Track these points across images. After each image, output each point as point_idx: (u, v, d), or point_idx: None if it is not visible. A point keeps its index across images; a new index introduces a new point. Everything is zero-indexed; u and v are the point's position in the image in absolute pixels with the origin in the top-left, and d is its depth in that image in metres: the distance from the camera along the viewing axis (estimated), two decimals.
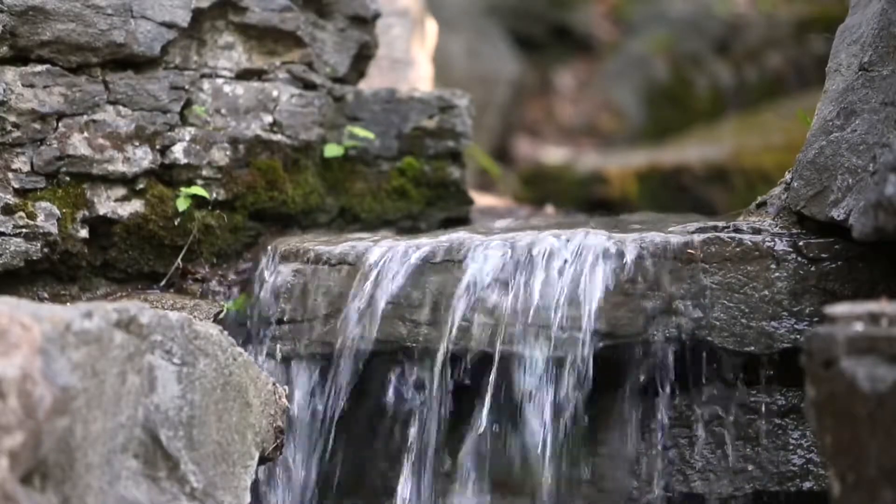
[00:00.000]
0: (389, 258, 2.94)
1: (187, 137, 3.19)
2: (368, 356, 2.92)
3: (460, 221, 3.44)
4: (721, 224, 2.96)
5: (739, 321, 2.83)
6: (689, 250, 2.85)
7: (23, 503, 2.06)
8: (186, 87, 3.20)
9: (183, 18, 3.18)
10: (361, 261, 2.96)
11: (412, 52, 4.46)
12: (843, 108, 2.89)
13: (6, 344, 2.07)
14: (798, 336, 2.80)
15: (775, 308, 2.83)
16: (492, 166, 5.38)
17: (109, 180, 3.13)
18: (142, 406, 2.36)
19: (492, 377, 2.84)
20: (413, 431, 2.93)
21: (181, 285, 3.20)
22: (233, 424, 2.49)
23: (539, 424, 2.83)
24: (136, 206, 3.15)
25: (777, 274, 2.85)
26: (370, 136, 3.39)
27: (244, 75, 3.30)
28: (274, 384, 2.60)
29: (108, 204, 3.13)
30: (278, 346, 3.01)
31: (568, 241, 2.88)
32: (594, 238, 2.88)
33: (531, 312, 2.83)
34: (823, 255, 2.85)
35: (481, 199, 3.94)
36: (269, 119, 3.30)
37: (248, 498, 2.51)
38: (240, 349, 2.53)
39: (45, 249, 3.04)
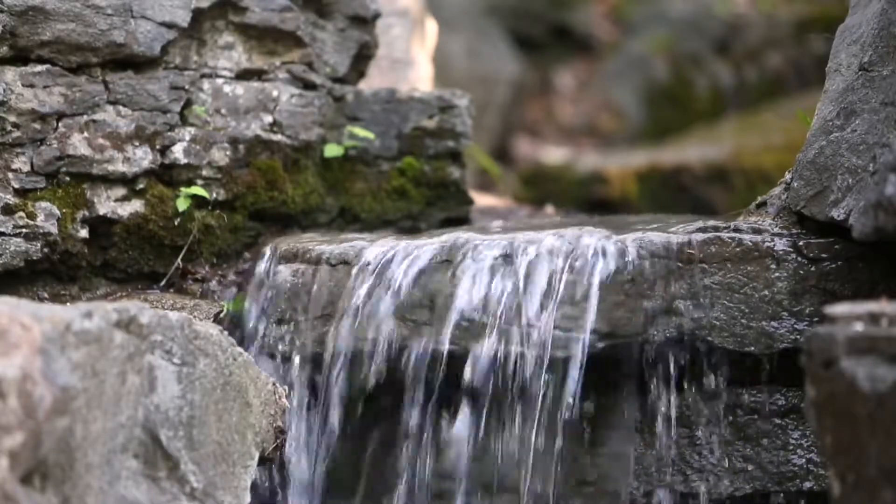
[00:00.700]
0: (389, 258, 2.94)
1: (187, 137, 3.19)
2: (368, 356, 2.92)
3: (460, 221, 3.44)
4: (721, 224, 2.96)
5: (739, 321, 2.83)
6: (689, 250, 2.85)
7: (23, 503, 2.06)
8: (186, 87, 3.20)
9: (183, 18, 3.18)
10: (361, 261, 2.96)
11: (412, 52, 4.46)
12: (843, 108, 2.89)
13: (6, 344, 2.07)
14: (798, 336, 2.80)
15: (775, 308, 2.83)
16: (492, 166, 5.38)
17: (109, 180, 3.13)
18: (142, 406, 2.36)
19: (491, 377, 2.84)
20: (413, 431, 2.93)
21: (181, 285, 3.20)
22: (233, 424, 2.49)
23: (539, 424, 2.83)
24: (136, 206, 3.15)
25: (777, 274, 2.85)
26: (370, 136, 3.39)
27: (244, 75, 3.30)
28: (274, 384, 2.60)
29: (108, 204, 3.13)
30: (278, 346, 3.01)
31: (568, 240, 2.88)
32: (594, 238, 2.88)
33: (531, 312, 2.83)
34: (823, 255, 2.85)
35: (481, 199, 3.94)
36: (269, 119, 3.30)
37: (248, 498, 2.51)
38: (240, 349, 2.53)
39: (45, 249, 3.04)
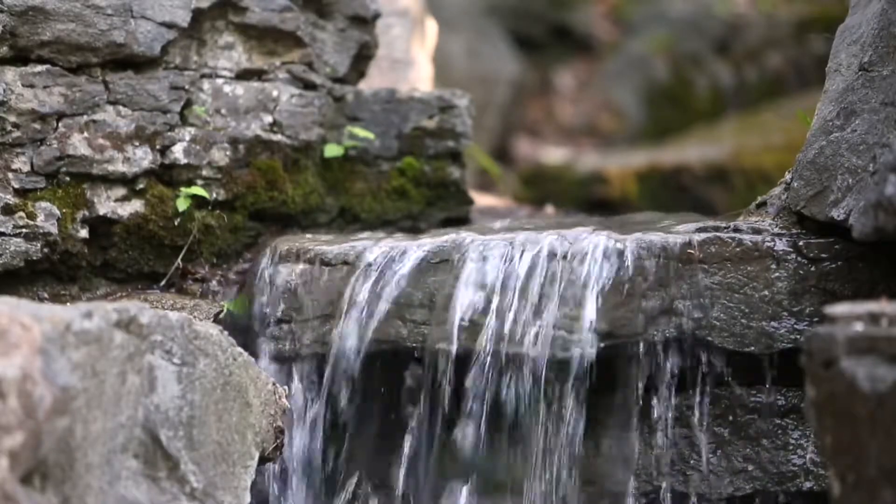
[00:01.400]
0: (389, 258, 2.94)
1: (187, 137, 3.19)
2: (369, 356, 2.92)
3: (460, 221, 3.44)
4: (721, 224, 2.96)
5: (739, 321, 2.83)
6: (689, 250, 2.85)
7: (23, 503, 2.06)
8: (186, 87, 3.20)
9: (183, 18, 3.18)
10: (361, 261, 2.96)
11: (412, 52, 4.46)
12: (843, 108, 2.89)
13: (6, 344, 2.07)
14: (798, 336, 2.80)
15: (775, 308, 2.83)
16: (492, 166, 5.38)
17: (109, 180, 3.13)
18: (142, 406, 2.36)
19: (492, 377, 2.84)
20: (413, 431, 2.93)
21: (181, 285, 3.20)
22: (233, 424, 2.49)
23: (539, 424, 2.83)
24: (136, 206, 3.16)
25: (777, 274, 2.85)
26: (370, 136, 3.39)
27: (244, 75, 3.30)
28: (274, 384, 2.60)
29: (108, 204, 3.13)
30: (278, 345, 3.01)
31: (568, 240, 2.88)
32: (594, 238, 2.88)
33: (531, 312, 2.83)
34: (823, 255, 2.85)
35: (481, 199, 3.94)
36: (269, 119, 3.30)
37: (248, 498, 2.51)
38: (240, 349, 2.53)
39: (45, 249, 3.04)
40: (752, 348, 2.83)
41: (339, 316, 2.94)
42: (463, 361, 2.86)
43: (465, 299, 2.87)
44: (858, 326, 2.11)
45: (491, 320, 2.85)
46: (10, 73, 3.03)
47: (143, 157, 3.14)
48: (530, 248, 2.88)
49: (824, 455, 2.14)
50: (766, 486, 2.85)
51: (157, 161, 3.16)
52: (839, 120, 2.89)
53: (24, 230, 3.01)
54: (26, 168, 3.05)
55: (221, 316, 3.06)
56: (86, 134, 3.09)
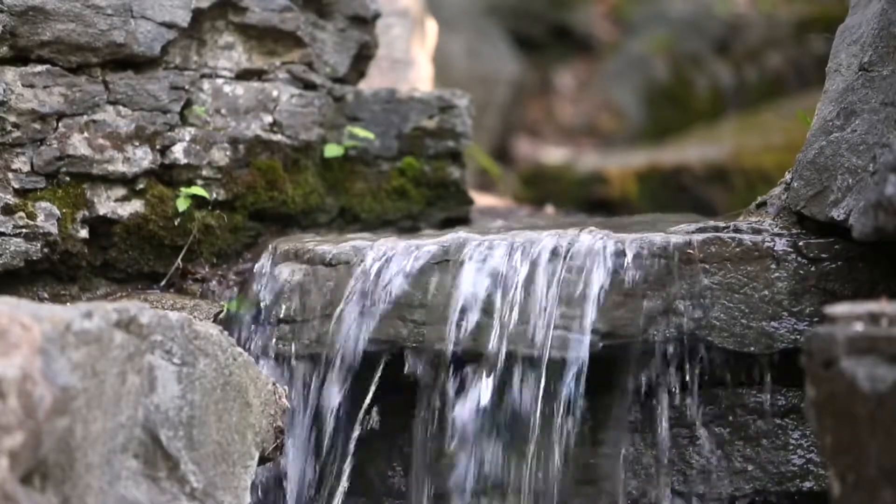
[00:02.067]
0: (389, 258, 2.94)
1: (187, 137, 3.19)
2: (368, 356, 2.92)
3: (460, 221, 3.44)
4: (721, 224, 2.96)
5: (739, 321, 2.83)
6: (689, 250, 2.85)
7: (23, 503, 2.06)
8: (186, 87, 3.20)
9: (183, 18, 3.18)
10: (361, 261, 2.96)
11: (412, 52, 4.46)
12: (843, 108, 2.89)
13: (6, 344, 2.07)
14: (798, 336, 2.80)
15: (775, 308, 2.83)
16: (492, 166, 5.38)
17: (109, 180, 3.13)
18: (142, 406, 2.36)
19: (492, 376, 2.84)
20: (412, 430, 2.93)
21: (181, 285, 3.20)
22: (233, 424, 2.49)
23: (539, 424, 2.83)
24: (136, 206, 3.16)
25: (777, 274, 2.85)
26: (370, 136, 3.39)
27: (244, 75, 3.30)
28: (274, 384, 2.60)
29: (108, 204, 3.13)
30: (278, 345, 3.01)
31: (568, 240, 2.88)
32: (594, 238, 2.88)
33: (531, 312, 2.83)
34: (823, 255, 2.85)
35: (481, 199, 3.94)
36: (269, 119, 3.30)
37: (248, 498, 2.51)
38: (240, 349, 2.53)
39: (45, 249, 3.04)
40: (753, 348, 2.83)
41: (338, 316, 2.94)
42: (462, 361, 2.86)
43: (465, 299, 2.87)
44: (858, 326, 2.11)
45: (491, 320, 2.85)
46: (10, 73, 3.03)
47: (143, 157, 3.14)
48: (530, 248, 2.88)
49: (824, 455, 2.14)
50: (766, 486, 2.85)
51: (157, 161, 3.16)
52: (839, 120, 2.89)
53: (24, 230, 3.01)
54: (26, 168, 3.05)
55: (221, 316, 3.06)
56: (86, 134, 3.09)
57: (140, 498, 2.34)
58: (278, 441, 2.59)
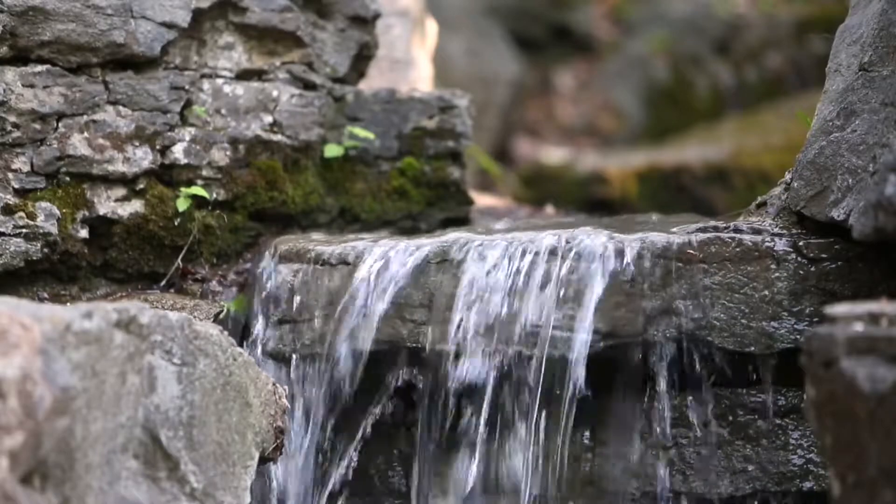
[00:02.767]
0: (389, 258, 2.94)
1: (187, 137, 3.19)
2: (368, 356, 2.92)
3: (460, 222, 3.44)
4: (721, 224, 2.97)
5: (739, 321, 2.83)
6: (689, 250, 2.85)
7: (23, 503, 2.06)
8: (186, 87, 3.20)
9: (183, 18, 3.18)
10: (361, 261, 2.96)
11: (412, 52, 4.46)
12: (843, 109, 2.89)
13: (6, 344, 2.07)
14: (798, 336, 2.80)
15: (775, 308, 2.83)
16: (492, 166, 5.38)
17: (109, 180, 3.13)
18: (142, 406, 2.36)
19: (492, 377, 2.84)
20: (412, 431, 2.93)
21: (181, 285, 3.20)
22: (233, 424, 2.49)
23: (539, 424, 2.83)
24: (136, 206, 3.16)
25: (777, 274, 2.85)
26: (370, 136, 3.39)
27: (244, 75, 3.30)
28: (274, 384, 2.60)
29: (108, 204, 3.13)
30: (278, 346, 3.01)
31: (568, 241, 2.88)
32: (594, 238, 2.88)
33: (531, 312, 2.83)
34: (823, 256, 2.85)
35: (481, 200, 3.94)
36: (269, 119, 3.30)
37: (248, 498, 2.51)
38: (240, 349, 2.53)
39: (45, 249, 3.04)
40: (753, 348, 2.83)
41: (338, 316, 2.94)
42: (463, 361, 2.86)
43: (465, 299, 2.87)
44: (858, 326, 2.11)
45: (490, 320, 2.85)
46: (10, 73, 3.03)
47: (143, 157, 3.14)
48: (530, 249, 2.88)
49: (824, 455, 2.15)
50: (766, 486, 2.85)
51: (157, 161, 3.16)
52: (839, 120, 2.89)
53: (24, 230, 3.01)
54: (26, 168, 3.05)
55: (221, 316, 3.06)
56: (86, 134, 3.09)
57: (140, 498, 2.34)
58: (278, 441, 2.59)
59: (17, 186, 3.04)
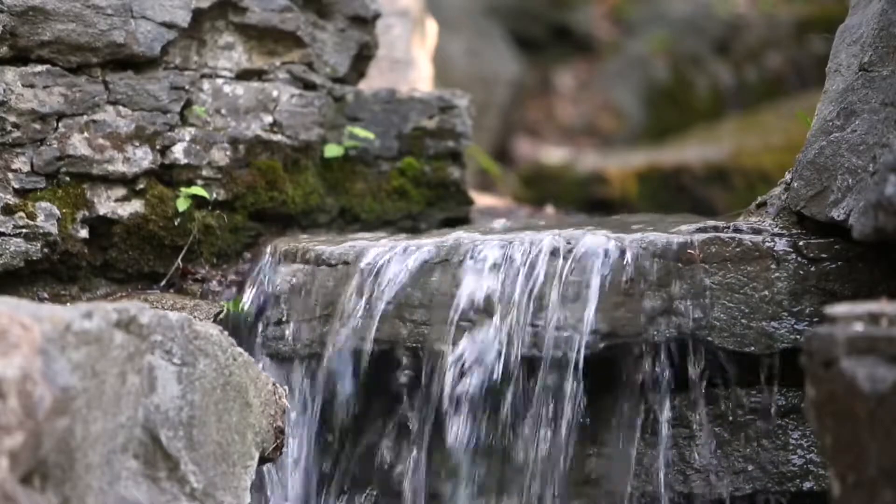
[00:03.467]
0: (389, 258, 2.94)
1: (187, 137, 3.19)
2: (368, 356, 2.92)
3: (460, 222, 3.44)
4: (721, 224, 2.96)
5: (739, 321, 2.83)
6: (689, 250, 2.85)
7: (23, 503, 2.06)
8: (186, 87, 3.20)
9: (183, 18, 3.18)
10: (361, 261, 2.96)
11: (412, 52, 4.46)
12: (843, 109, 2.89)
13: (6, 344, 2.07)
14: (798, 336, 2.80)
15: (775, 308, 2.83)
16: (492, 166, 5.38)
17: (109, 180, 3.13)
18: (142, 406, 2.36)
19: (492, 377, 2.84)
20: (411, 430, 2.93)
21: (181, 285, 3.20)
22: (233, 424, 2.49)
23: (539, 424, 2.83)
24: (136, 206, 3.16)
25: (777, 274, 2.85)
26: (370, 136, 3.39)
27: (244, 75, 3.30)
28: (274, 384, 2.60)
29: (108, 204, 3.13)
30: (278, 345, 3.01)
31: (568, 241, 2.88)
32: (594, 238, 2.88)
33: (531, 312, 2.83)
34: (823, 256, 2.85)
35: (481, 200, 3.94)
36: (269, 119, 3.30)
37: (248, 498, 2.51)
38: (240, 349, 2.53)
39: (45, 249, 3.04)
40: (753, 348, 2.83)
41: (338, 316, 2.94)
42: (463, 361, 2.86)
43: (465, 299, 2.87)
44: (858, 326, 2.11)
45: (490, 320, 2.85)
46: (10, 73, 3.03)
47: (143, 157, 3.14)
48: (530, 249, 2.88)
49: (824, 455, 2.15)
50: (766, 486, 2.85)
51: (157, 161, 3.16)
52: (839, 120, 2.89)
53: (24, 230, 3.01)
54: (26, 168, 3.05)
55: (221, 316, 3.06)
56: (86, 134, 3.09)
57: (140, 498, 2.34)
58: (278, 441, 2.59)
59: (17, 186, 3.04)
